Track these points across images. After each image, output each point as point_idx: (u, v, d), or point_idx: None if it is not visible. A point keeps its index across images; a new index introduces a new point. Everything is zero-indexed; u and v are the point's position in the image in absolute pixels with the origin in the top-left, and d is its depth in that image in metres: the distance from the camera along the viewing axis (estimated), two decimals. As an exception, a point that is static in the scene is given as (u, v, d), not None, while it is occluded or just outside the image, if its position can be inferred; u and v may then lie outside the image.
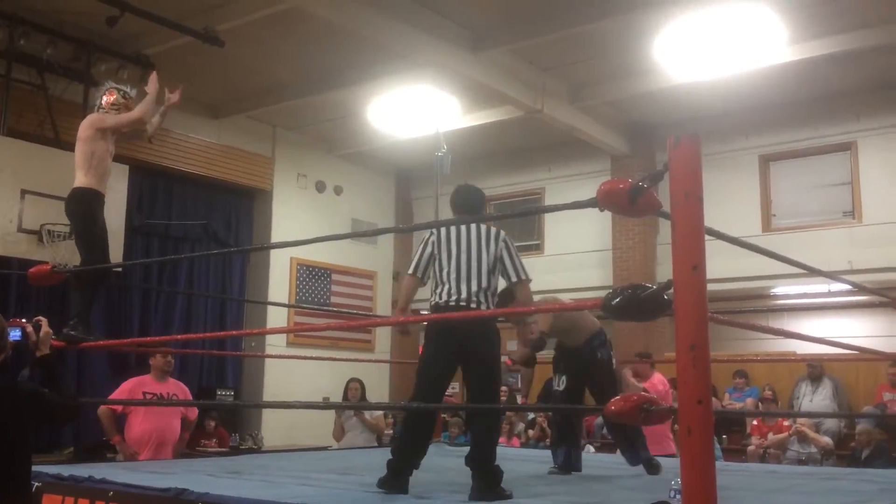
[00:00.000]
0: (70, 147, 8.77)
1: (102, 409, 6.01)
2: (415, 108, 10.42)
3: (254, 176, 11.85)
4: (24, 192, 8.08)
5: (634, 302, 2.47)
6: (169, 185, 11.05)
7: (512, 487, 3.77)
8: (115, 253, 8.54)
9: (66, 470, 3.79)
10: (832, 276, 4.85)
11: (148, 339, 8.83)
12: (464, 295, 3.98)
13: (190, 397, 6.76)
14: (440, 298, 4.05)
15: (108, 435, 6.10)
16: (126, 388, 6.18)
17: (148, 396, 6.17)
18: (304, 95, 10.61)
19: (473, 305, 3.97)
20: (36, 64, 8.67)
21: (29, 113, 8.89)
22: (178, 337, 9.52)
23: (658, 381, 7.62)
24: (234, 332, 10.56)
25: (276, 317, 11.71)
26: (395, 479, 3.70)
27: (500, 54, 9.46)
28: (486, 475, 3.73)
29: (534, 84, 10.09)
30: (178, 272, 11.21)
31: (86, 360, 9.75)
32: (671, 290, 2.34)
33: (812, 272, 4.05)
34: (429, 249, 4.21)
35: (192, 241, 11.20)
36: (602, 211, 2.66)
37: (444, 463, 5.13)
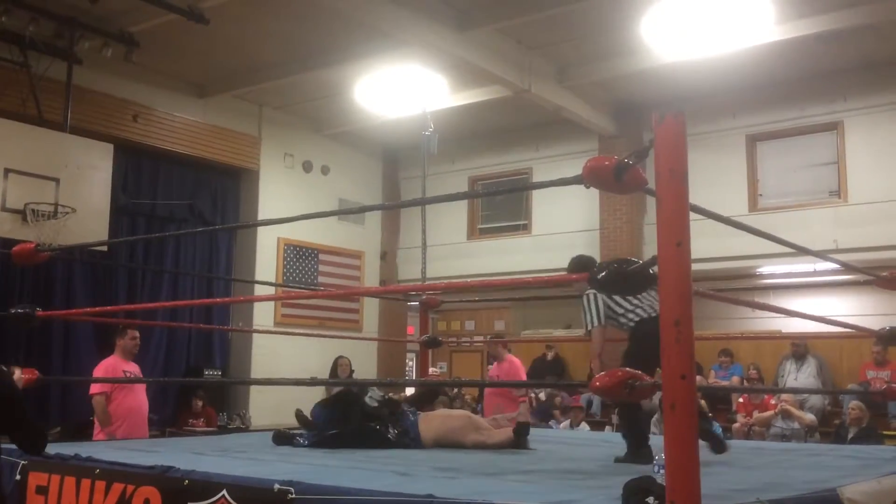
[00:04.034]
0: (53, 126, 8.74)
1: (98, 399, 6.09)
2: (402, 88, 10.36)
3: (240, 155, 11.78)
4: (7, 171, 8.03)
5: (621, 276, 2.49)
6: (154, 165, 10.97)
7: (499, 466, 3.79)
8: (100, 233, 8.54)
9: (51, 448, 3.77)
10: (819, 254, 4.87)
11: (136, 306, 8.86)
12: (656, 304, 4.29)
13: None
14: (646, 314, 4.45)
15: (101, 425, 6.11)
16: (106, 372, 6.25)
17: (128, 375, 6.31)
18: (291, 74, 10.53)
19: None
20: (18, 41, 8.57)
21: (11, 91, 8.81)
22: (167, 304, 9.53)
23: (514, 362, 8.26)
24: (221, 300, 10.57)
25: (263, 301, 11.71)
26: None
27: (487, 33, 9.41)
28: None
29: (521, 63, 10.05)
30: (164, 254, 11.15)
31: (72, 338, 9.74)
32: (657, 266, 2.35)
33: (798, 250, 4.07)
34: (600, 301, 4.56)
35: (177, 220, 11.13)
36: (588, 188, 2.66)
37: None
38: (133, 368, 6.44)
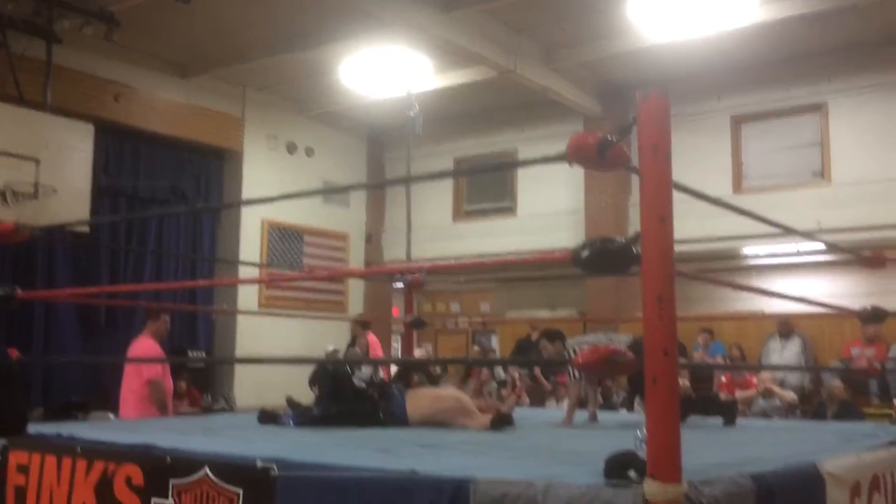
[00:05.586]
0: (33, 105, 8.64)
1: (157, 383, 6.20)
2: (386, 69, 10.31)
3: (223, 137, 11.70)
4: (-14, 151, 7.93)
5: (604, 254, 2.48)
6: (136, 146, 10.88)
7: (483, 444, 3.80)
8: (82, 214, 8.48)
9: (33, 428, 3.76)
10: (805, 234, 4.90)
11: (120, 287, 8.83)
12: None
13: None
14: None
15: (161, 410, 6.15)
16: (154, 350, 6.35)
17: None
18: (274, 55, 10.46)
19: None
20: (-4, 20, 8.46)
21: (-10, 70, 8.69)
22: (151, 286, 9.50)
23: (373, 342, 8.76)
24: (206, 283, 10.54)
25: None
26: None
27: (473, 14, 9.37)
28: None
29: (507, 44, 10.02)
30: (146, 235, 11.07)
31: (53, 319, 9.68)
32: (640, 244, 2.34)
33: (783, 230, 4.08)
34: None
35: (160, 202, 11.05)
36: (571, 165, 2.64)
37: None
38: None
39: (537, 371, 11.18)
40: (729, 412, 5.38)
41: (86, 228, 9.47)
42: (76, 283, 9.85)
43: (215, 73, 11.20)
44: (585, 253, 2.53)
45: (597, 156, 2.49)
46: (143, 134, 10.77)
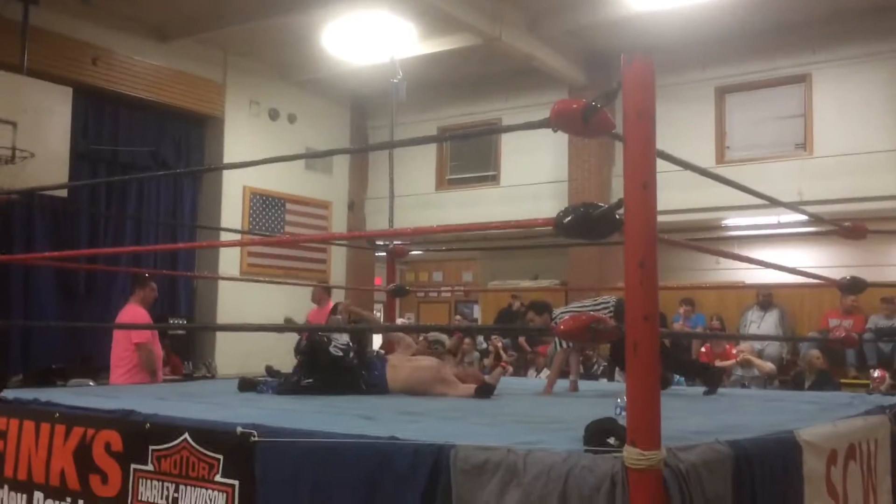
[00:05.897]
0: (9, 68, 8.48)
1: (147, 346, 6.19)
2: (370, 34, 10.18)
3: (204, 102, 11.55)
4: (-38, 115, 7.80)
5: (586, 220, 2.46)
6: (115, 110, 10.72)
7: (463, 411, 3.81)
8: (60, 179, 8.37)
9: (10, 394, 3.73)
10: (788, 205, 4.89)
11: (100, 250, 8.77)
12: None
13: None
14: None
15: (151, 375, 6.17)
16: (144, 318, 6.34)
17: None
18: (256, 19, 10.29)
19: None
20: (-30, -21, 8.28)
21: (-35, 32, 8.53)
22: (130, 249, 9.44)
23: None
24: (186, 245, 10.48)
25: (229, 250, 11.61)
26: None
27: (458, -22, 9.26)
28: None
29: (492, 11, 9.92)
30: (126, 202, 10.95)
31: (33, 286, 9.59)
32: (622, 210, 2.33)
33: (766, 201, 4.07)
34: None
35: (140, 168, 10.91)
36: (555, 131, 2.62)
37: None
38: None
39: (521, 340, 11.23)
40: (712, 378, 5.41)
41: (64, 193, 9.35)
42: (55, 248, 9.74)
43: (196, 38, 11.02)
44: (568, 219, 2.52)
45: (581, 121, 2.46)
46: (122, 98, 10.62)
